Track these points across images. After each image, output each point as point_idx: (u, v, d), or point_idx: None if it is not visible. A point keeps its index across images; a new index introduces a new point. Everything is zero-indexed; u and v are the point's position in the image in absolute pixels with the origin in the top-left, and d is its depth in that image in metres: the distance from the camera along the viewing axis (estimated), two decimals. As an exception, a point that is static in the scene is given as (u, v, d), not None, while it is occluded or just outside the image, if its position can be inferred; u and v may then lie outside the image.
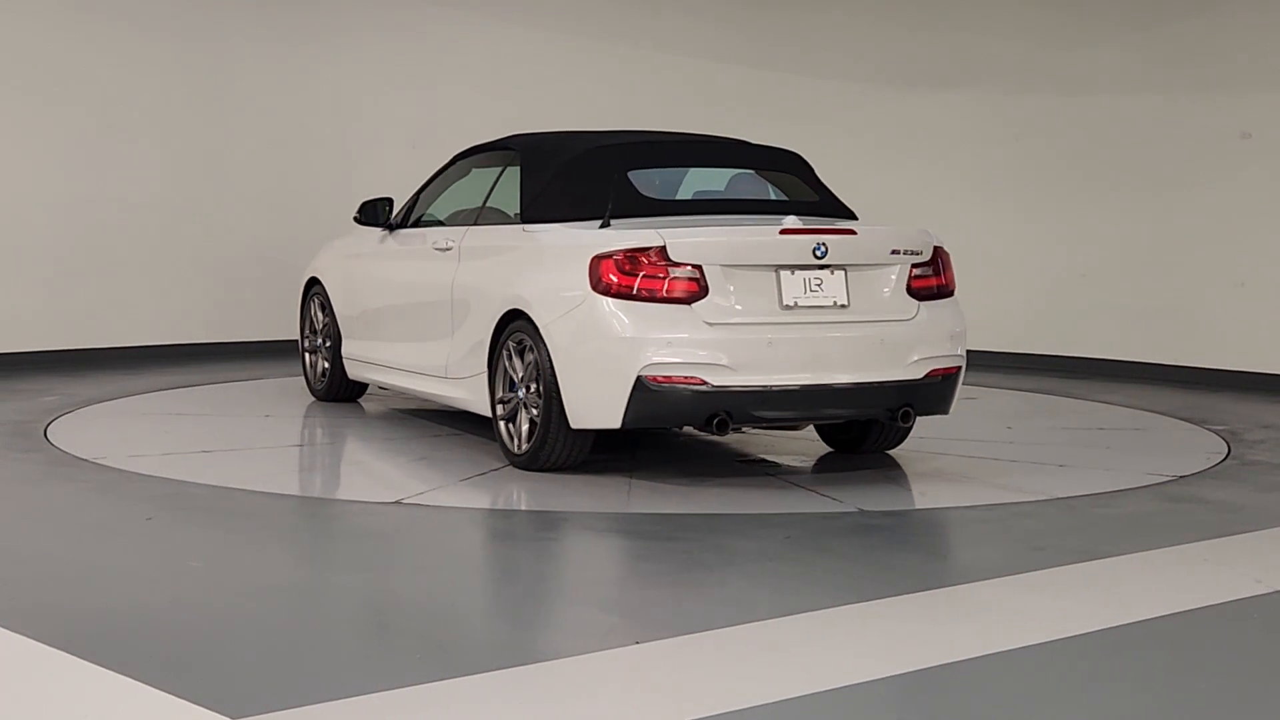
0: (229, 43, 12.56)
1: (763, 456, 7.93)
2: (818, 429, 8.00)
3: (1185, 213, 11.88)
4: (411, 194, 9.12)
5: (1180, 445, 8.62)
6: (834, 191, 8.13)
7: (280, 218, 12.81)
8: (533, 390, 7.07)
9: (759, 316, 6.83)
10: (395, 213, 8.96)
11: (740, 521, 6.34)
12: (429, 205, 8.78)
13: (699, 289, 6.77)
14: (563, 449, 7.08)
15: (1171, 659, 4.48)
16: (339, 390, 9.54)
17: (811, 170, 8.21)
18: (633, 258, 6.77)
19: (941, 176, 13.13)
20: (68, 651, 4.25)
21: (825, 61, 13.44)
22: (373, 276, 9.05)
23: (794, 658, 4.43)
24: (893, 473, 7.50)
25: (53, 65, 11.54)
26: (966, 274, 12.99)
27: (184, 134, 12.33)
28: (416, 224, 8.73)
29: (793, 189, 8.09)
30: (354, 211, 9.17)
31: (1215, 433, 8.97)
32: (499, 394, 7.36)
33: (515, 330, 7.21)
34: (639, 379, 6.68)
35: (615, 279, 6.76)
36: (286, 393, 10.14)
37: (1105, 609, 4.94)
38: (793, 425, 7.67)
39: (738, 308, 6.82)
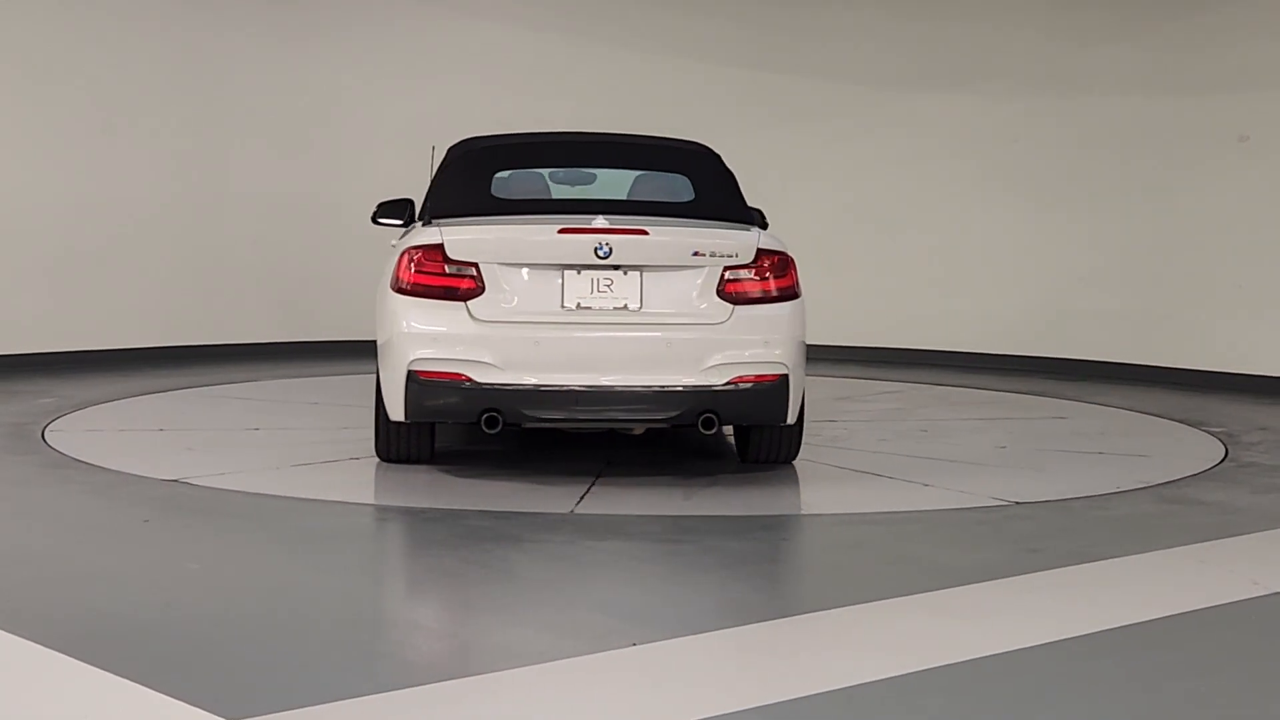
0: (226, 44, 12.57)
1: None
2: (735, 436, 7.83)
3: (1183, 215, 11.89)
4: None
5: (1177, 447, 8.63)
6: (730, 194, 7.74)
7: (277, 219, 12.82)
8: None
9: (534, 316, 6.81)
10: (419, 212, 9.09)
11: (739, 523, 6.34)
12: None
13: (476, 287, 6.82)
14: (396, 441, 7.29)
15: (1168, 661, 4.48)
16: None
17: (712, 170, 7.90)
18: (417, 256, 6.89)
19: (940, 179, 13.14)
20: (65, 653, 4.25)
21: (825, 63, 13.44)
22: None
23: (792, 659, 4.44)
24: (887, 475, 7.50)
25: (49, 67, 11.54)
26: (964, 276, 13.09)
27: (181, 136, 12.34)
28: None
29: (676, 189, 7.94)
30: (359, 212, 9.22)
31: (1212, 435, 8.98)
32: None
33: None
34: (409, 373, 6.81)
35: (404, 277, 6.92)
36: (283, 395, 10.14)
37: (1101, 611, 4.94)
38: (623, 427, 7.34)
39: (513, 306, 6.82)
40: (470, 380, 6.74)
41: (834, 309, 13.26)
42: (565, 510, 6.47)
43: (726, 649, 4.52)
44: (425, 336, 6.81)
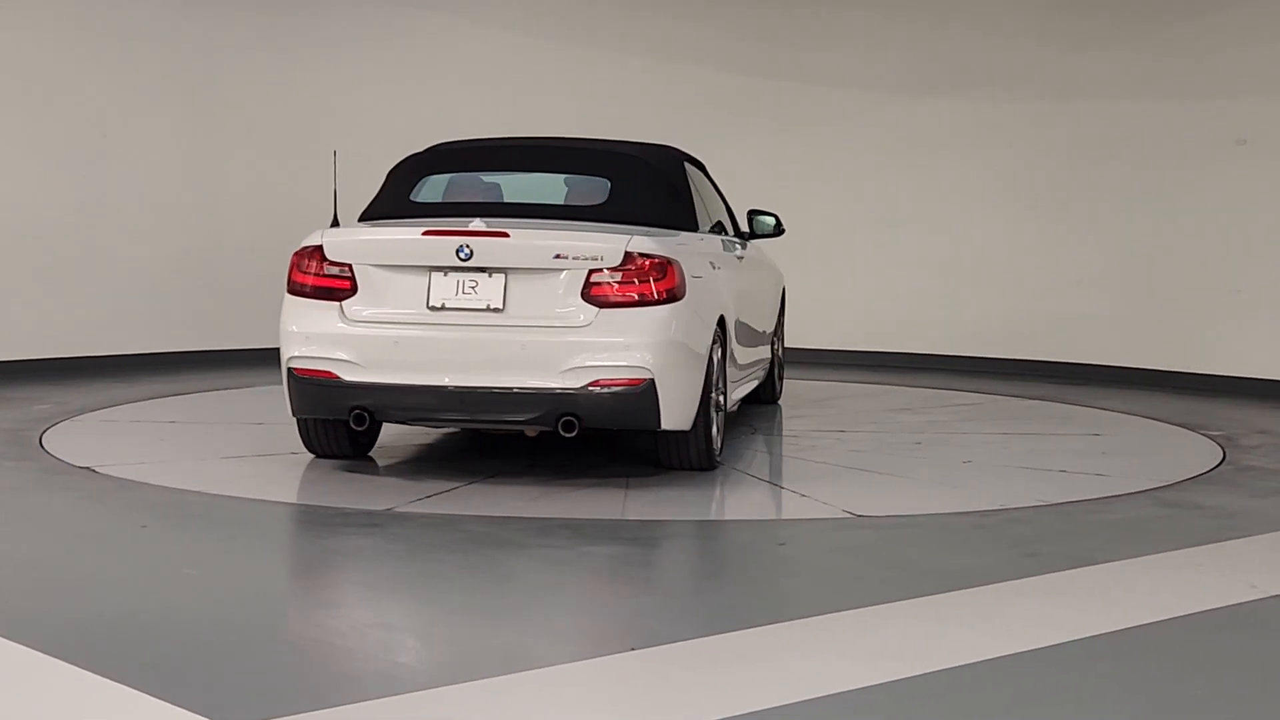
0: (220, 51, 12.55)
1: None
2: None
3: (1181, 219, 11.89)
4: None
5: (1176, 450, 8.63)
6: (659, 198, 7.68)
7: (272, 226, 12.77)
8: None
9: (398, 317, 6.96)
10: None
11: (734, 528, 6.33)
12: None
13: (350, 287, 7.03)
14: (316, 437, 7.51)
15: (1166, 665, 4.48)
16: None
17: (645, 174, 7.86)
18: (301, 258, 7.17)
19: (936, 183, 13.13)
20: (63, 659, 4.25)
21: (821, 69, 13.44)
22: None
23: (789, 664, 4.43)
24: (885, 478, 7.49)
25: (44, 75, 11.53)
26: (961, 280, 13.08)
27: (176, 143, 12.33)
28: None
29: (599, 193, 7.85)
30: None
31: (1211, 438, 8.97)
32: None
33: None
34: (289, 370, 7.07)
35: (292, 277, 7.21)
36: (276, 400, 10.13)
37: (1100, 615, 4.94)
38: (499, 428, 7.37)
39: (380, 307, 6.99)
40: (337, 378, 6.94)
41: (832, 313, 13.27)
42: (383, 508, 6.48)
43: (724, 654, 4.51)
44: (301, 335, 7.07)
